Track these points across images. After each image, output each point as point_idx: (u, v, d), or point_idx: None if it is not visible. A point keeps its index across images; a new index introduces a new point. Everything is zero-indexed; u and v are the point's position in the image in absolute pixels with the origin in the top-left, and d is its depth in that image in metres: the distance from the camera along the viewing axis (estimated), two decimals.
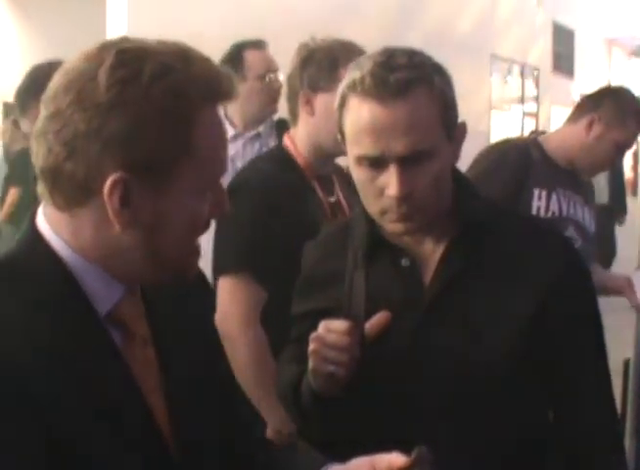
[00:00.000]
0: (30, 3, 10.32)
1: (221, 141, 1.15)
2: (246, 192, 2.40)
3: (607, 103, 2.87)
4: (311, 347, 1.45)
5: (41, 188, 1.13)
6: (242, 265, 2.36)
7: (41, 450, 1.00)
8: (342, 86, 1.51)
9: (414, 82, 1.44)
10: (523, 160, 2.87)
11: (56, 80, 1.10)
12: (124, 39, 1.13)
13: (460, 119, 1.59)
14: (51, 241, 1.12)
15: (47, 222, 1.14)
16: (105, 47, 1.10)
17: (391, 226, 1.52)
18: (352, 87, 1.47)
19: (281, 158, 2.47)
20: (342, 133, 1.53)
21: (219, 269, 2.45)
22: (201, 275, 1.37)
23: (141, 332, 1.17)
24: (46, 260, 1.11)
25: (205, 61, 1.13)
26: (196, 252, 1.18)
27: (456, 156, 1.56)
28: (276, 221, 2.20)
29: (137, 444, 1.10)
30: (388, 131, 1.43)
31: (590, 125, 2.84)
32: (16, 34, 10.76)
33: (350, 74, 1.48)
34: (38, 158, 1.10)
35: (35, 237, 1.13)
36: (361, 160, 1.48)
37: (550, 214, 2.81)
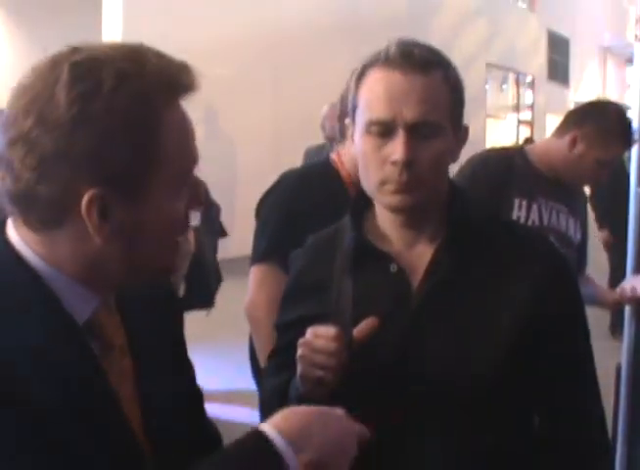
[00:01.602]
0: (24, 11, 10.34)
1: (189, 135, 1.12)
2: (281, 189, 2.54)
3: (591, 122, 2.82)
4: (299, 352, 1.45)
5: (13, 212, 1.08)
6: (270, 255, 2.46)
7: (14, 451, 0.98)
8: (363, 62, 1.56)
9: (434, 64, 1.50)
10: (503, 169, 2.86)
11: (12, 103, 1.05)
12: (75, 49, 1.07)
13: None
14: (24, 254, 1.09)
15: (19, 237, 1.10)
16: (56, 62, 1.05)
17: (389, 199, 1.52)
18: (376, 59, 1.51)
19: (326, 167, 2.60)
20: (354, 106, 1.56)
21: (252, 259, 2.57)
22: (170, 289, 1.37)
23: (119, 342, 1.15)
24: (20, 272, 1.08)
25: (160, 58, 1.09)
26: (176, 247, 1.16)
27: (456, 155, 1.58)
28: (306, 216, 2.25)
29: (113, 452, 1.08)
30: (403, 98, 1.47)
31: (573, 143, 2.82)
32: (9, 42, 10.78)
33: (375, 52, 1.54)
34: (5, 184, 1.06)
35: (6, 248, 1.09)
36: (371, 125, 1.49)
37: (530, 224, 2.82)
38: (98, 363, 1.09)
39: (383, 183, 1.49)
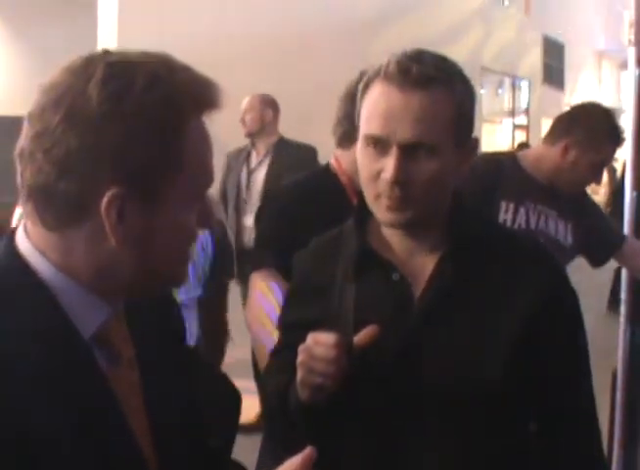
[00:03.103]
0: (19, 16, 10.33)
1: (209, 151, 1.12)
2: (281, 197, 2.59)
3: (579, 128, 2.85)
4: (299, 358, 1.46)
5: (29, 208, 1.07)
6: (268, 263, 2.48)
7: None
8: (369, 72, 1.55)
9: (435, 80, 1.46)
10: (491, 173, 2.88)
11: (41, 97, 1.05)
12: (108, 52, 1.08)
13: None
14: (34, 262, 1.07)
15: (30, 242, 1.09)
16: (91, 61, 1.05)
17: (383, 215, 1.53)
18: (377, 72, 1.50)
19: (325, 173, 2.60)
20: (359, 116, 1.57)
21: (251, 266, 2.60)
22: (172, 298, 1.36)
23: (127, 353, 1.14)
24: (26, 284, 1.06)
25: (189, 70, 1.09)
26: (186, 260, 1.15)
27: (463, 169, 1.57)
28: (306, 224, 2.26)
29: (116, 466, 1.07)
30: (399, 116, 1.46)
31: (565, 151, 2.84)
32: (4, 46, 10.76)
33: (381, 63, 1.53)
34: (25, 177, 1.05)
35: (14, 259, 1.08)
36: (367, 139, 1.49)
37: (516, 227, 2.83)
38: (103, 378, 1.09)
39: (377, 197, 1.50)
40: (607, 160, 2.89)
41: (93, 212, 1.03)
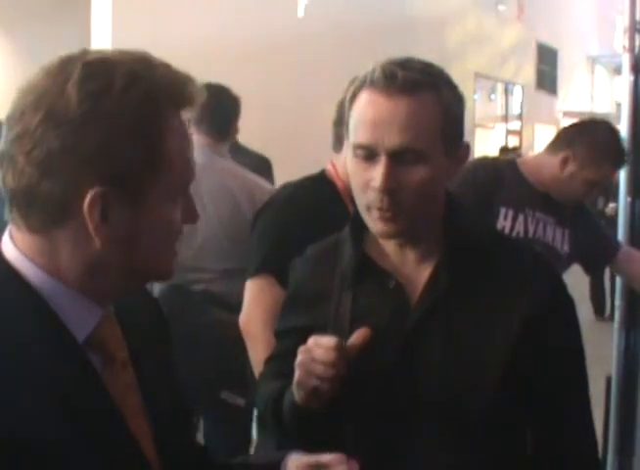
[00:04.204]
0: (15, 25, 10.32)
1: (189, 147, 1.13)
2: (277, 202, 2.56)
3: (582, 141, 2.83)
4: (298, 359, 1.45)
5: (12, 211, 1.08)
6: (265, 269, 2.46)
7: None
8: (356, 81, 1.54)
9: (422, 85, 1.46)
10: (491, 178, 2.87)
11: (19, 99, 1.05)
12: (85, 51, 1.08)
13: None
14: (21, 267, 1.07)
15: (15, 247, 1.08)
16: (68, 61, 1.06)
17: (374, 226, 1.53)
18: (364, 81, 1.49)
19: (321, 179, 2.59)
20: (347, 125, 1.55)
21: (248, 272, 2.57)
22: (159, 304, 1.36)
23: (121, 355, 1.14)
24: (16, 291, 1.06)
25: (167, 67, 1.09)
26: (173, 255, 1.15)
27: (452, 174, 1.56)
28: (303, 229, 2.25)
29: (122, 468, 1.08)
30: (386, 123, 1.45)
31: (564, 162, 2.82)
32: (0, 56, 10.75)
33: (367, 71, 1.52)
34: (7, 181, 1.05)
35: (2, 267, 1.08)
36: (356, 149, 1.48)
37: (515, 234, 2.83)
38: (99, 380, 1.09)
39: (368, 208, 1.50)
40: (603, 180, 2.88)
41: (76, 213, 1.04)
